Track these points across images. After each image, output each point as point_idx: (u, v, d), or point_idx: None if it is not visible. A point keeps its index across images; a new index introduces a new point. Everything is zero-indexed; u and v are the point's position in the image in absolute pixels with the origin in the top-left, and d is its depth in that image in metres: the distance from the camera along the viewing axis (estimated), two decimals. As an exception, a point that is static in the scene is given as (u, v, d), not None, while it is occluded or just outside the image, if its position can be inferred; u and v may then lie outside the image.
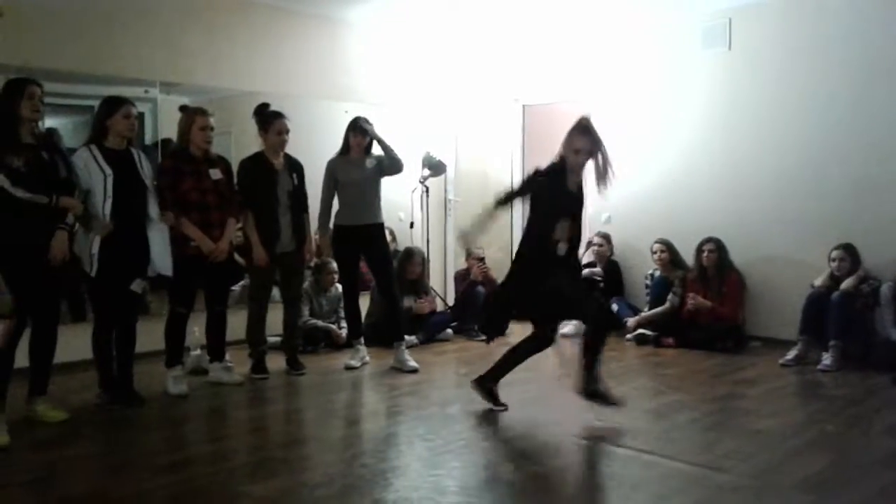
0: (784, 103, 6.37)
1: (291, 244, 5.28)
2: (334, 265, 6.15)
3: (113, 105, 4.45)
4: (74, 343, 4.73)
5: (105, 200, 4.32)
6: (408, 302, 6.43)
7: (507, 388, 4.64)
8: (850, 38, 6.04)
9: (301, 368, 5.45)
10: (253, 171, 5.16)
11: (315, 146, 6.01)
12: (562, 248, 4.24)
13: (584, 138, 4.15)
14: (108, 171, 4.33)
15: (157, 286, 4.94)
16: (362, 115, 5.72)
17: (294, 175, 5.30)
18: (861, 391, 4.95)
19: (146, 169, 4.56)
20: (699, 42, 6.83)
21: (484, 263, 7.09)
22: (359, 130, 5.51)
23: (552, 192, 4.21)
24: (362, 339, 5.74)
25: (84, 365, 4.78)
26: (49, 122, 5.52)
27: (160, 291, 5.20)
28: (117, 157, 4.42)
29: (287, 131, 5.23)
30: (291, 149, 5.37)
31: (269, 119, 5.20)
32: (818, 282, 5.82)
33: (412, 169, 7.52)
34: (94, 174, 4.31)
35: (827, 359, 5.53)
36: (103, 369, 4.57)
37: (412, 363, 5.54)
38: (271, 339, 5.75)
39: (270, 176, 5.19)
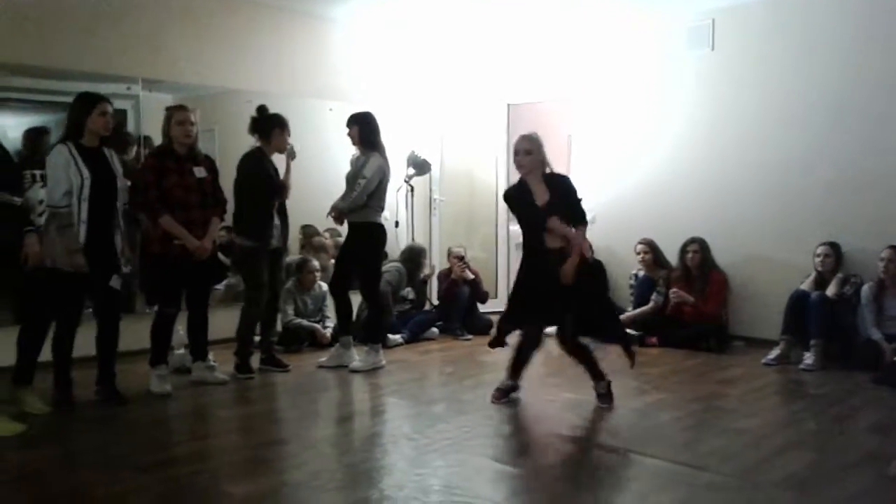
0: (767, 104, 6.40)
1: (279, 240, 5.33)
2: (315, 264, 6.18)
3: (88, 102, 4.38)
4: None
5: (81, 203, 4.27)
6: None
7: (490, 387, 4.64)
8: (833, 40, 6.08)
9: (284, 365, 5.43)
10: (262, 168, 5.18)
11: (299, 144, 5.99)
12: None
13: None
14: (86, 172, 4.28)
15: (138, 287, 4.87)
16: (347, 113, 5.72)
17: (276, 172, 5.34)
18: (842, 390, 4.99)
19: (118, 168, 4.52)
20: (684, 43, 6.85)
21: (464, 262, 7.10)
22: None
23: None
24: (350, 338, 5.70)
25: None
26: (31, 119, 5.48)
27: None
28: (93, 156, 4.37)
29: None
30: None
31: (277, 126, 5.22)
32: (805, 286, 5.85)
33: (397, 168, 7.51)
34: (73, 175, 4.26)
35: (809, 358, 5.57)
36: (58, 368, 4.47)
37: (355, 363, 5.50)
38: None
39: (275, 176, 5.25)
